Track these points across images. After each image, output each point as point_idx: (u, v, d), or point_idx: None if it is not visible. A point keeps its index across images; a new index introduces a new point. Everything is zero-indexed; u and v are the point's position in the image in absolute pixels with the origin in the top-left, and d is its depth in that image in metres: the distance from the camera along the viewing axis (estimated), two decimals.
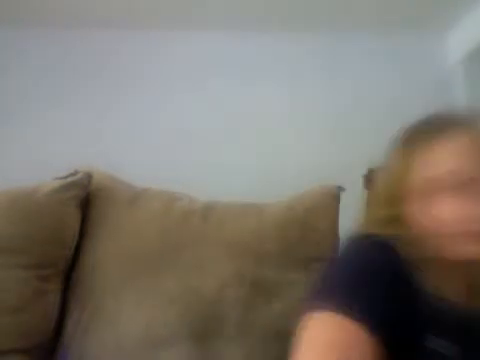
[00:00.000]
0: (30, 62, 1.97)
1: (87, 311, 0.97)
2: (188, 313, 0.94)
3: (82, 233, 1.06)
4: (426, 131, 0.68)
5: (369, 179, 1.24)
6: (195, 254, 1.02)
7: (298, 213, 1.08)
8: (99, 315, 0.96)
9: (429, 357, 0.61)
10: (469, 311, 0.65)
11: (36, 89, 1.95)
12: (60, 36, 1.98)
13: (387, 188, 0.70)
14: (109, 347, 0.93)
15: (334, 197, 1.12)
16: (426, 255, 0.64)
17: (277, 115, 1.98)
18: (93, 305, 0.97)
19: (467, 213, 0.61)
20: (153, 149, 1.89)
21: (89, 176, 1.10)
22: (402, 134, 0.72)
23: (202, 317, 0.94)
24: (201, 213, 1.08)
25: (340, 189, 1.14)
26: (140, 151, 1.88)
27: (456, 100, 1.96)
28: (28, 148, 1.86)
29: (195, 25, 1.99)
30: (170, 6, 1.87)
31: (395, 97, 1.97)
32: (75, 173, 1.11)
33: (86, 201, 1.09)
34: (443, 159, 0.64)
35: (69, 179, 1.08)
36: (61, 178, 1.09)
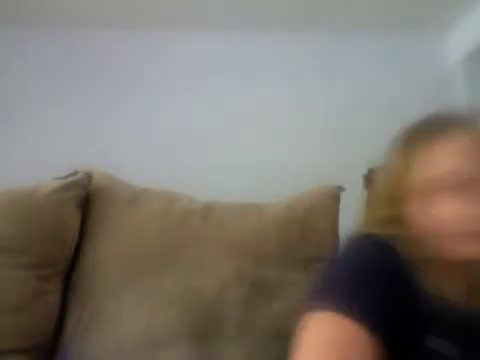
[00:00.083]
0: (30, 62, 1.97)
1: (87, 311, 0.97)
2: (188, 313, 0.94)
3: (82, 233, 1.06)
4: (426, 131, 0.68)
5: (369, 179, 1.24)
6: (195, 254, 1.02)
7: (298, 213, 1.08)
8: (99, 315, 0.96)
9: (429, 357, 0.61)
10: (469, 311, 0.65)
11: (36, 89, 1.95)
12: (60, 36, 1.98)
13: (387, 188, 0.70)
14: (109, 347, 0.93)
15: (334, 197, 1.12)
16: (426, 255, 0.64)
17: (277, 115, 1.98)
18: (93, 305, 0.97)
19: (467, 213, 0.61)
20: (153, 149, 1.89)
21: (89, 176, 1.10)
22: (402, 134, 0.72)
23: (202, 317, 0.94)
24: (201, 213, 1.08)
25: (340, 189, 1.14)
26: (140, 151, 1.88)
27: (456, 100, 1.96)
28: (28, 148, 1.86)
29: (195, 25, 1.99)
30: (170, 6, 1.87)
31: (395, 97, 1.97)
32: (75, 173, 1.11)
33: (86, 201, 1.09)
34: (443, 159, 0.64)
35: (69, 179, 1.08)
36: (61, 178, 1.09)
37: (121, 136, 1.91)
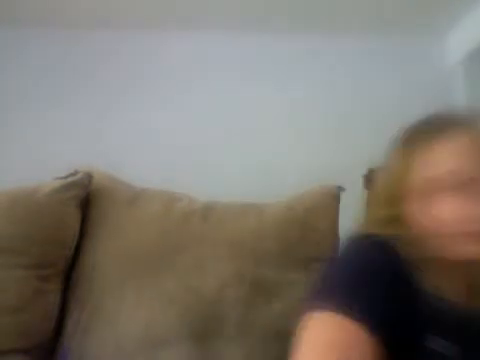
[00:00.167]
0: (30, 62, 1.97)
1: (87, 311, 0.97)
2: (188, 313, 0.94)
3: (82, 233, 1.06)
4: (426, 131, 0.68)
5: (369, 179, 1.23)
6: (195, 254, 1.02)
7: (298, 213, 1.08)
8: (99, 315, 0.96)
9: (429, 357, 0.61)
10: (469, 311, 0.65)
11: (36, 89, 1.95)
12: (60, 36, 1.98)
13: (387, 188, 0.70)
14: (109, 347, 0.93)
15: (334, 197, 1.12)
16: (426, 255, 0.64)
17: (277, 115, 1.98)
18: (93, 305, 0.97)
19: (467, 213, 0.61)
20: (153, 149, 1.89)
21: (89, 176, 1.10)
22: (402, 134, 0.72)
23: (202, 317, 0.94)
24: (201, 213, 1.08)
25: (340, 189, 1.14)
26: (140, 151, 1.88)
27: (456, 100, 1.96)
28: (28, 148, 1.86)
29: (195, 25, 1.99)
30: (170, 6, 1.87)
31: (395, 97, 1.97)
32: (75, 173, 1.11)
33: (86, 201, 1.09)
34: (443, 159, 0.64)
35: (69, 179, 1.08)
36: (61, 178, 1.09)
37: (121, 136, 1.91)
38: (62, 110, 1.91)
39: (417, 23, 1.98)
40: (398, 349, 0.57)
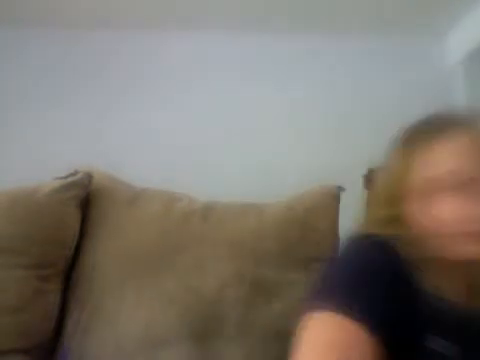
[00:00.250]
0: (30, 62, 1.97)
1: (87, 311, 0.97)
2: (188, 313, 0.94)
3: (82, 233, 1.06)
4: (426, 131, 0.68)
5: (369, 179, 1.24)
6: (195, 254, 1.01)
7: (298, 213, 1.08)
8: (99, 315, 0.96)
9: (429, 357, 0.61)
10: (469, 311, 0.65)
11: (36, 89, 1.95)
12: (60, 36, 1.98)
13: (387, 188, 0.70)
14: (109, 347, 0.93)
15: (334, 197, 1.12)
16: (426, 255, 0.64)
17: (277, 115, 1.98)
18: (93, 305, 0.97)
19: (467, 213, 0.61)
20: (153, 149, 1.89)
21: (89, 176, 1.10)
22: (402, 134, 0.72)
23: (202, 317, 0.94)
24: (201, 213, 1.08)
25: (340, 189, 1.14)
26: (140, 151, 1.88)
27: (456, 100, 1.96)
28: (28, 148, 1.86)
29: (195, 25, 1.99)
30: (170, 6, 1.87)
31: (395, 97, 1.97)
32: (75, 173, 1.11)
33: (86, 201, 1.09)
34: (443, 159, 0.64)
35: (69, 179, 1.07)
36: (61, 178, 1.09)
37: (121, 136, 1.91)
38: (62, 110, 1.91)
39: (417, 23, 1.98)
40: (398, 349, 0.57)
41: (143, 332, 0.93)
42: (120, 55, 2.02)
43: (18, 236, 0.97)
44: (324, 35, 2.04)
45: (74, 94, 1.95)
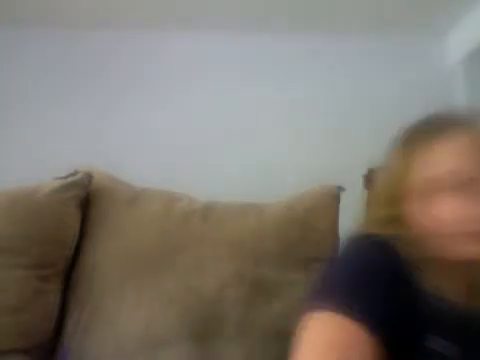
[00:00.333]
0: (30, 62, 1.97)
1: (87, 311, 0.97)
2: (188, 313, 0.94)
3: (82, 233, 1.06)
4: (426, 131, 0.68)
5: (369, 179, 1.24)
6: (195, 254, 1.01)
7: (298, 213, 1.08)
8: (99, 315, 0.96)
9: (429, 357, 0.61)
10: (469, 311, 0.65)
11: (36, 89, 1.95)
12: (60, 36, 1.98)
13: (387, 188, 0.70)
14: (109, 347, 0.93)
15: (334, 197, 1.12)
16: (426, 255, 0.63)
17: (277, 115, 1.98)
18: (93, 305, 0.97)
19: (467, 213, 0.61)
20: (153, 149, 1.89)
21: (89, 176, 1.10)
22: (402, 134, 0.72)
23: (202, 317, 0.94)
24: (201, 213, 1.08)
25: (340, 189, 1.14)
26: (140, 151, 1.88)
27: (456, 100, 1.96)
28: (28, 148, 1.86)
29: (195, 25, 1.99)
30: (170, 6, 1.87)
31: (395, 97, 1.97)
32: (75, 173, 1.11)
33: (86, 201, 1.09)
34: (443, 159, 0.64)
35: (69, 179, 1.07)
36: (61, 178, 1.09)
37: (121, 136, 1.91)
38: (62, 110, 1.91)
39: (417, 23, 1.98)
40: (398, 349, 0.57)
41: (143, 332, 0.93)
42: (120, 55, 2.02)
43: (18, 236, 0.97)
44: (324, 35, 2.04)
45: (74, 94, 1.95)
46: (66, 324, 0.97)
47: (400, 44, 2.07)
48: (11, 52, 1.97)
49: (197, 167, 1.84)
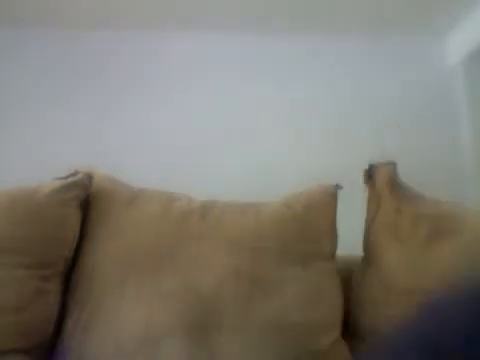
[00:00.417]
0: (30, 62, 1.97)
1: (87, 311, 0.97)
2: (188, 311, 0.94)
3: (82, 234, 1.06)
4: None
5: (370, 175, 1.23)
6: (194, 252, 1.02)
7: (296, 211, 1.08)
8: (99, 315, 0.96)
9: None
10: None
11: (36, 89, 1.95)
12: (60, 36, 1.98)
13: None
14: (109, 347, 0.93)
15: (332, 195, 1.12)
16: None
17: (277, 115, 1.98)
18: (93, 305, 0.97)
19: None
20: (153, 149, 1.89)
21: (90, 176, 1.10)
22: None
23: (201, 314, 0.94)
24: (199, 212, 1.08)
25: (338, 187, 1.14)
26: (140, 151, 1.88)
27: (456, 100, 1.96)
28: (28, 148, 1.86)
29: (195, 25, 1.99)
30: (170, 6, 1.87)
31: (395, 97, 1.98)
32: (75, 173, 1.10)
33: (86, 202, 1.09)
34: None
35: (70, 179, 1.07)
36: (61, 178, 1.09)
37: (121, 136, 1.91)
38: (62, 110, 1.91)
39: (417, 23, 1.98)
40: None
41: (143, 331, 0.93)
42: (120, 55, 2.02)
43: (18, 236, 0.97)
44: (324, 35, 2.04)
45: (74, 94, 1.95)
46: (66, 324, 0.97)
47: (400, 44, 2.07)
48: (11, 52, 1.97)
49: (197, 167, 1.84)
